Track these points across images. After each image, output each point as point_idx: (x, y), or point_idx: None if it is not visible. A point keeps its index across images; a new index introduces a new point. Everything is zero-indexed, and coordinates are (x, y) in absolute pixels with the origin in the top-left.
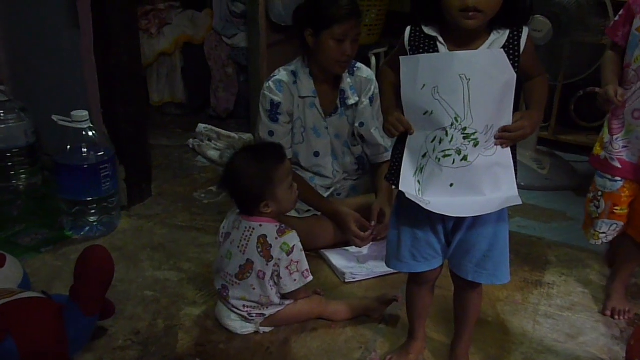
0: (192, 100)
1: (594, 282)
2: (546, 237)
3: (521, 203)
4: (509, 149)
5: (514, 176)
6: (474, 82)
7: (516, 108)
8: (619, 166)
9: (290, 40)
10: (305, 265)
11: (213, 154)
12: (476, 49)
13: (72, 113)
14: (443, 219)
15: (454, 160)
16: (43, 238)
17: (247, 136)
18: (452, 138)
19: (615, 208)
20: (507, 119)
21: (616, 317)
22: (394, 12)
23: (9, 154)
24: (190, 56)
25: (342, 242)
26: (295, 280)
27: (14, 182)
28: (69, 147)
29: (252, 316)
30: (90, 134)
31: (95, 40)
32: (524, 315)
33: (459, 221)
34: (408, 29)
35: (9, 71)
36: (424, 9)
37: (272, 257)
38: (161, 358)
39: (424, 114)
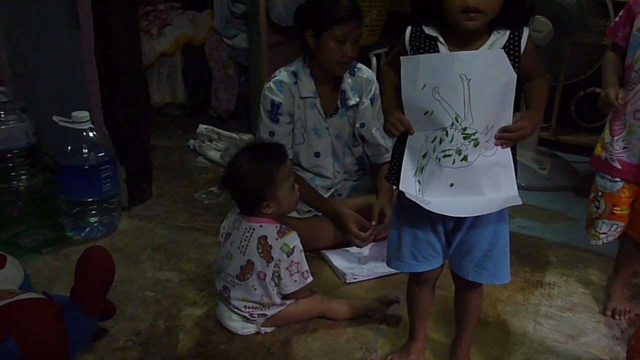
0: (192, 101)
1: (595, 282)
2: (547, 238)
3: (521, 203)
4: (509, 149)
5: (514, 176)
6: (474, 82)
7: (516, 108)
8: (619, 167)
9: (291, 40)
10: (305, 266)
11: (214, 154)
12: (477, 49)
13: (73, 114)
14: (443, 218)
15: (454, 160)
16: (44, 239)
17: (247, 137)
18: (452, 138)
19: (615, 209)
20: (507, 119)
21: (617, 317)
22: (395, 12)
23: (9, 155)
24: (191, 57)
25: (342, 243)
26: (295, 281)
27: (14, 182)
28: (69, 147)
29: (253, 317)
30: (90, 134)
31: (95, 40)
32: (525, 315)
33: (459, 221)
34: (409, 29)
35: (10, 72)
36: (425, 9)
37: (273, 258)
38: (162, 358)
39: (425, 114)
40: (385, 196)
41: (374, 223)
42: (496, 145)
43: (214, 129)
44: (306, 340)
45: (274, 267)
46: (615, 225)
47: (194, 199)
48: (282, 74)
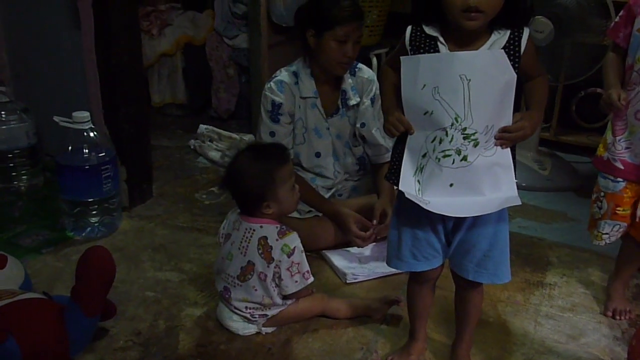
0: (193, 101)
1: (596, 282)
2: (547, 238)
3: (521, 203)
4: (508, 149)
5: (514, 176)
6: (474, 82)
7: (516, 108)
8: (621, 167)
9: (292, 41)
10: (306, 266)
11: (214, 154)
12: (477, 49)
13: (74, 114)
14: (443, 218)
15: (453, 160)
16: (44, 239)
17: (248, 137)
18: (452, 138)
19: (618, 209)
20: (507, 119)
21: (617, 317)
22: (396, 12)
23: (10, 155)
24: (192, 57)
25: (343, 243)
26: (296, 281)
27: (15, 183)
28: (70, 148)
29: (254, 317)
30: (91, 134)
31: (96, 40)
32: (525, 316)
33: (458, 221)
34: (409, 28)
35: (11, 72)
36: (425, 9)
37: (273, 259)
38: (162, 359)
39: (424, 114)
40: (387, 196)
41: (375, 222)
42: (496, 145)
43: (215, 129)
44: (306, 340)
45: (275, 267)
46: (618, 226)
47: (194, 199)
48: (283, 74)
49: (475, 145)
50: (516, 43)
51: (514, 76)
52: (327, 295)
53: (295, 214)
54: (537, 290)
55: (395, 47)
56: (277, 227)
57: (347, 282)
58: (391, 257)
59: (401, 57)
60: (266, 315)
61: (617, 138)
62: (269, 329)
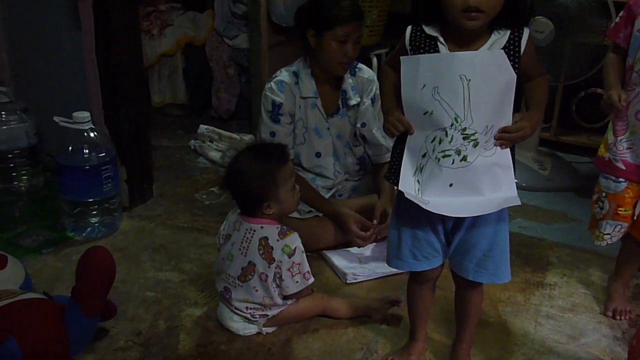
0: (193, 101)
1: (596, 283)
2: (547, 238)
3: (520, 204)
4: (508, 149)
5: (514, 177)
6: (474, 82)
7: (516, 109)
8: (623, 167)
9: (292, 41)
10: (306, 266)
11: (214, 155)
12: (477, 49)
13: (74, 114)
14: (443, 218)
15: (453, 160)
16: (45, 239)
17: (248, 137)
18: (451, 138)
19: (619, 209)
20: (507, 119)
21: (618, 317)
22: (396, 12)
23: (10, 155)
24: (192, 57)
25: (343, 243)
26: (297, 282)
27: (15, 183)
28: (70, 148)
29: (255, 317)
30: (91, 135)
31: (96, 41)
32: (526, 316)
33: (458, 221)
34: (409, 28)
35: (11, 72)
36: (425, 9)
37: (274, 260)
38: (162, 359)
39: (424, 114)
40: (388, 196)
41: (375, 222)
42: (495, 145)
43: (215, 129)
44: (307, 340)
45: (276, 268)
46: (620, 226)
47: (194, 200)
48: (283, 74)
49: (475, 146)
50: (516, 43)
51: (513, 76)
52: (327, 295)
53: (295, 214)
54: (538, 290)
55: (395, 47)
56: (277, 228)
57: (348, 282)
58: (391, 257)
59: (401, 57)
60: (266, 315)
61: (619, 138)
62: (270, 329)
